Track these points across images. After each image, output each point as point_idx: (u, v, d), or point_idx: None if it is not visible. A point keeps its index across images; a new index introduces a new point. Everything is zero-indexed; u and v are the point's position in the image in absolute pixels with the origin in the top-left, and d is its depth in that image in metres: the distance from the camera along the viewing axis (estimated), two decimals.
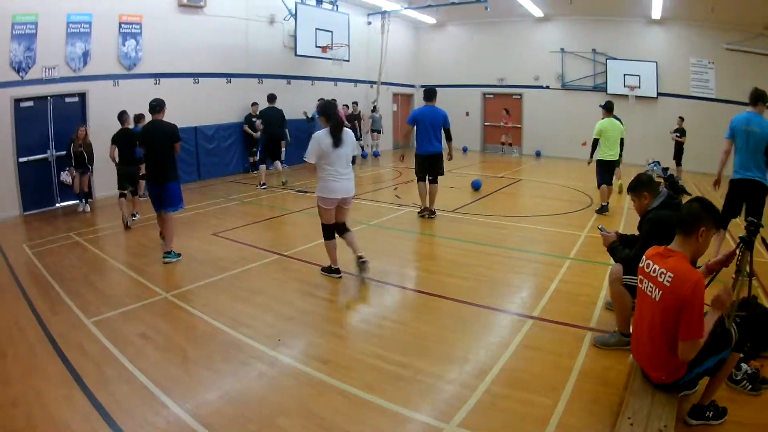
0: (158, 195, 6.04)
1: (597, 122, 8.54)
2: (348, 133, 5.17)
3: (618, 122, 8.45)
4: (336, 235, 5.35)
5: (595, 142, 8.38)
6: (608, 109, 8.47)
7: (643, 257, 2.90)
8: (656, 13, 14.57)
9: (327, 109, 5.15)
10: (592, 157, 8.72)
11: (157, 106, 5.97)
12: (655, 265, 2.72)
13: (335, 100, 7.72)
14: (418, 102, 20.65)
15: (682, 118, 12.82)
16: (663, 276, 2.63)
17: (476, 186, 9.96)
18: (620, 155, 8.77)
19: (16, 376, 3.52)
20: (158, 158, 5.95)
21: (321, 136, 4.99)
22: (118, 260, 6.23)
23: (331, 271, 5.45)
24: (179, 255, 6.10)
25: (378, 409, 3.09)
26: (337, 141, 5.01)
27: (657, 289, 2.67)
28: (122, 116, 8.13)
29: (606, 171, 8.42)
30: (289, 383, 3.42)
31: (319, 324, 4.42)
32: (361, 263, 5.22)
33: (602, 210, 8.39)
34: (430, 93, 7.93)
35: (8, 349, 3.92)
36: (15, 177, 8.70)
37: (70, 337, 4.10)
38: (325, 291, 5.14)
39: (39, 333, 4.19)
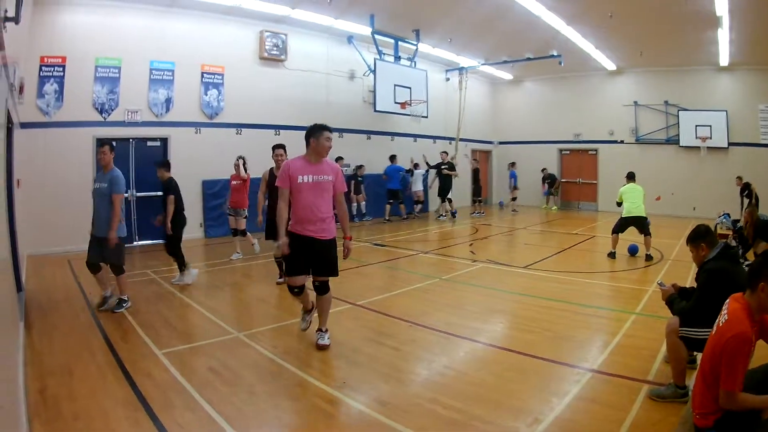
0: None
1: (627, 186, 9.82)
2: None
3: (638, 187, 9.79)
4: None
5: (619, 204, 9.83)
6: (629, 177, 10.02)
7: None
8: (724, 59, 14.85)
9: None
10: None
11: None
12: (727, 304, 2.77)
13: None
14: (498, 158, 20.85)
15: (740, 178, 13.43)
16: (723, 315, 2.72)
17: (633, 251, 9.71)
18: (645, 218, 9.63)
19: (81, 393, 3.73)
20: None
21: None
22: (193, 299, 6.56)
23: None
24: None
25: None
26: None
27: (716, 326, 2.77)
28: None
29: (622, 224, 9.63)
30: (348, 422, 3.54)
31: (384, 370, 4.44)
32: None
33: (611, 255, 9.52)
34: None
35: (77, 368, 4.19)
36: None
37: (139, 364, 4.32)
38: (393, 340, 5.14)
39: (109, 358, 4.45)
